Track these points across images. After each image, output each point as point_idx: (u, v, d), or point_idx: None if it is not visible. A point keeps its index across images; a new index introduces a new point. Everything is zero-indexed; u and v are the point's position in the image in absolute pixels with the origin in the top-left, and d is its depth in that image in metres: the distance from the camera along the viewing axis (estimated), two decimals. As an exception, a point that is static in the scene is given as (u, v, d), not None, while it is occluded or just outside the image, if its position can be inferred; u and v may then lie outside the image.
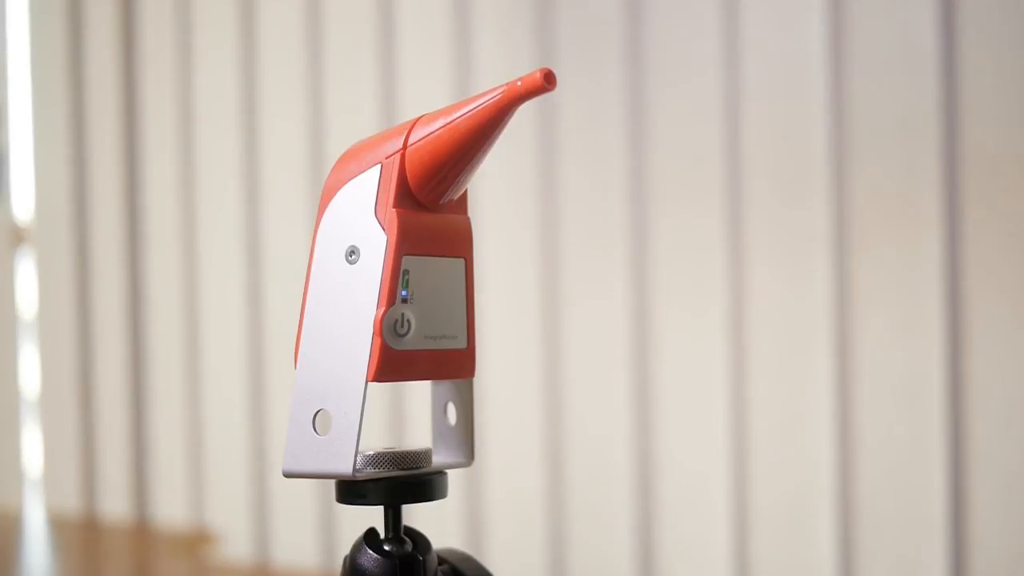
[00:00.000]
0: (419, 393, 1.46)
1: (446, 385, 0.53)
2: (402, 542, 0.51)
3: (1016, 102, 1.09)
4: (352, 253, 0.49)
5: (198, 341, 1.74)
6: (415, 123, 0.49)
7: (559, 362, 1.38)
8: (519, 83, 0.47)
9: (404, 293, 0.49)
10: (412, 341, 0.49)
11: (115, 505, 1.85)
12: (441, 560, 0.52)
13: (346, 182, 0.50)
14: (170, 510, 1.79)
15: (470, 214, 0.52)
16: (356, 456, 0.48)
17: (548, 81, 0.46)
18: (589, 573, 1.38)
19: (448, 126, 0.48)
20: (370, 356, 0.48)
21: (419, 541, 0.51)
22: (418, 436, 1.46)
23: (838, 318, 1.20)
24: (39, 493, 1.97)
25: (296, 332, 0.49)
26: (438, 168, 0.49)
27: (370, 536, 0.51)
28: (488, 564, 0.53)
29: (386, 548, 0.51)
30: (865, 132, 1.16)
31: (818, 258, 1.20)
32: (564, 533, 1.39)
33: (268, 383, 1.65)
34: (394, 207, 0.48)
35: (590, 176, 1.35)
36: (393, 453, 0.50)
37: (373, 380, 0.48)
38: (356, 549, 0.50)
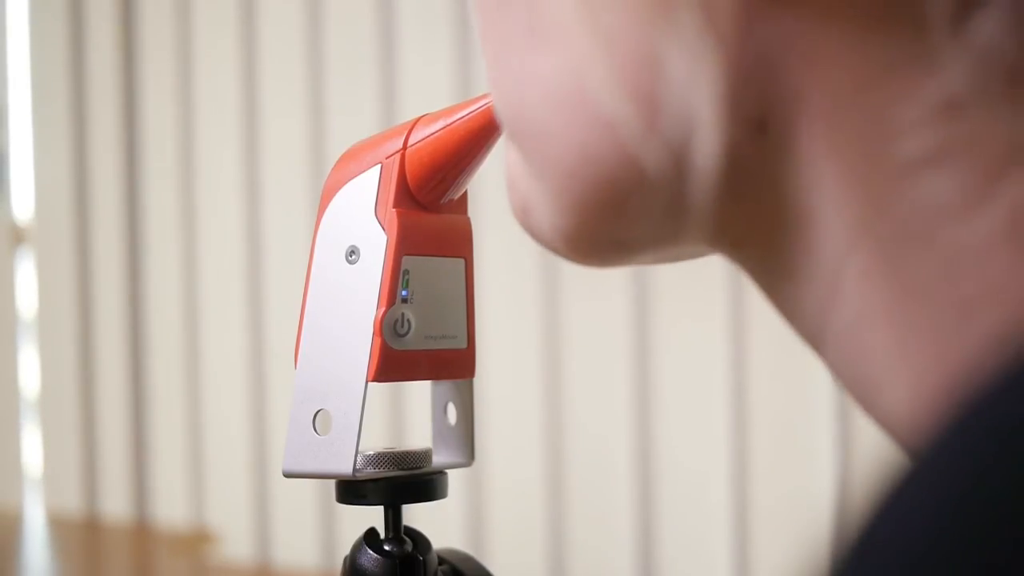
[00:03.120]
0: (419, 393, 1.45)
1: (446, 385, 0.53)
2: (402, 542, 0.51)
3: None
4: (352, 253, 0.49)
5: (198, 341, 1.74)
6: (415, 123, 0.49)
7: (559, 362, 1.38)
8: (519, 83, 0.47)
9: (404, 293, 0.49)
10: (412, 341, 0.49)
11: (115, 505, 1.85)
12: (441, 560, 0.52)
13: (346, 182, 0.49)
14: (170, 510, 1.79)
15: (470, 214, 0.52)
16: (356, 456, 0.48)
17: (548, 81, 0.46)
18: (589, 573, 1.38)
19: (449, 127, 0.48)
20: (370, 356, 0.48)
21: (419, 541, 0.51)
22: (418, 436, 1.46)
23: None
24: (39, 493, 1.97)
25: (296, 332, 0.49)
26: (438, 169, 0.49)
27: (370, 536, 0.51)
28: (488, 564, 0.53)
29: (386, 548, 0.50)
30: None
31: (818, 258, 1.20)
32: (564, 533, 1.39)
33: (268, 383, 1.65)
34: (394, 207, 0.48)
35: (590, 176, 1.35)
36: (393, 453, 0.50)
37: (373, 380, 0.48)
38: (356, 549, 0.50)
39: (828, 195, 0.29)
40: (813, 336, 0.32)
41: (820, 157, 0.29)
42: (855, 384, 0.32)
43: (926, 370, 0.28)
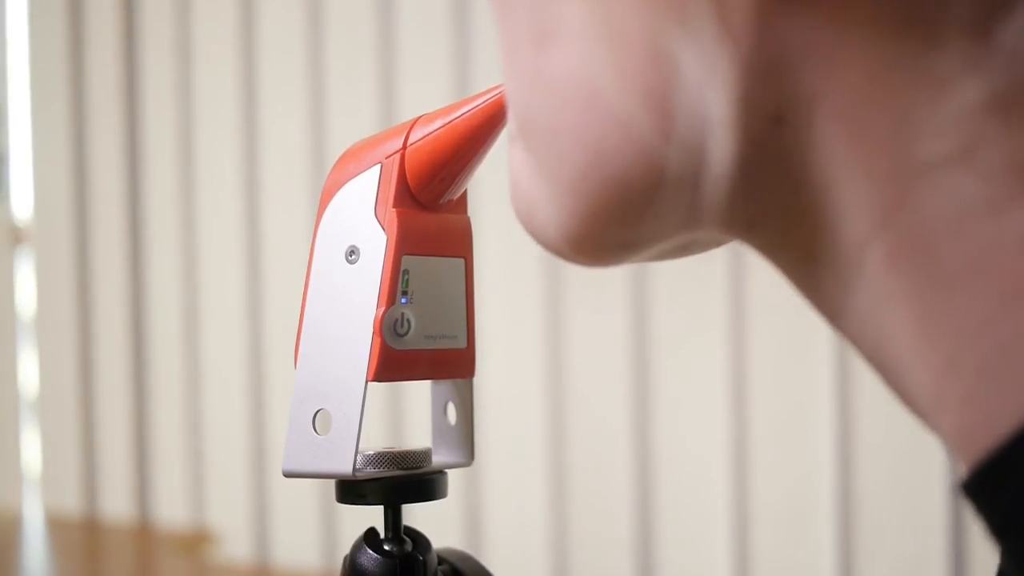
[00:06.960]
0: (419, 393, 1.46)
1: (446, 385, 0.53)
2: (402, 542, 0.51)
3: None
4: (352, 253, 0.49)
5: (198, 341, 1.74)
6: (415, 123, 0.49)
7: (559, 362, 1.38)
8: (519, 83, 0.47)
9: (404, 297, 0.48)
10: (412, 341, 0.49)
11: (115, 505, 1.85)
12: (441, 560, 0.52)
13: (346, 182, 0.49)
14: (170, 510, 1.79)
15: (470, 214, 0.52)
16: (356, 456, 0.48)
17: (548, 81, 0.46)
18: (589, 572, 1.38)
19: (448, 125, 0.48)
20: (370, 356, 0.48)
21: (419, 541, 0.51)
22: (418, 436, 1.46)
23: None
24: (39, 493, 1.97)
25: (296, 332, 0.49)
26: (438, 168, 0.49)
27: (370, 536, 0.51)
28: (488, 564, 0.53)
29: (386, 548, 0.50)
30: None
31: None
32: (564, 532, 1.39)
33: (268, 383, 1.65)
34: (394, 207, 0.48)
35: (590, 176, 1.35)
36: (393, 453, 0.50)
37: (373, 380, 0.48)
38: (356, 549, 0.50)
39: (849, 186, 0.29)
40: (833, 314, 0.32)
41: (839, 152, 0.29)
42: (878, 363, 0.31)
43: (953, 359, 0.28)
